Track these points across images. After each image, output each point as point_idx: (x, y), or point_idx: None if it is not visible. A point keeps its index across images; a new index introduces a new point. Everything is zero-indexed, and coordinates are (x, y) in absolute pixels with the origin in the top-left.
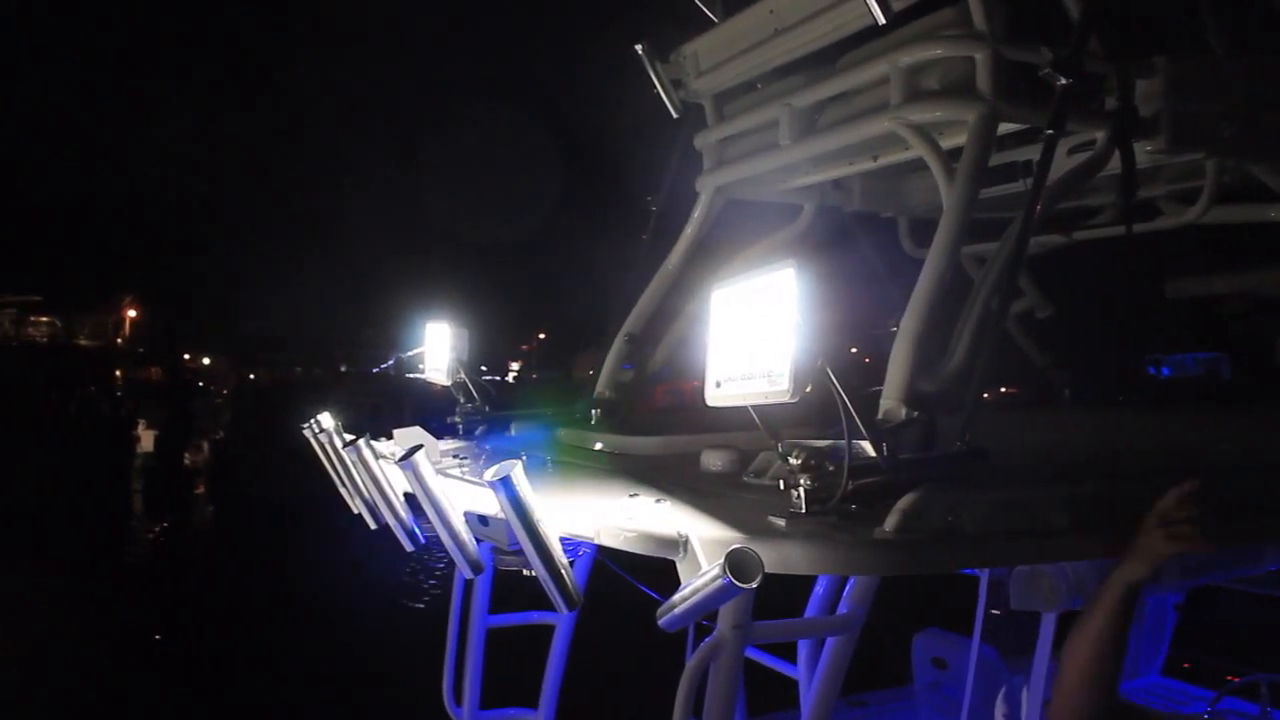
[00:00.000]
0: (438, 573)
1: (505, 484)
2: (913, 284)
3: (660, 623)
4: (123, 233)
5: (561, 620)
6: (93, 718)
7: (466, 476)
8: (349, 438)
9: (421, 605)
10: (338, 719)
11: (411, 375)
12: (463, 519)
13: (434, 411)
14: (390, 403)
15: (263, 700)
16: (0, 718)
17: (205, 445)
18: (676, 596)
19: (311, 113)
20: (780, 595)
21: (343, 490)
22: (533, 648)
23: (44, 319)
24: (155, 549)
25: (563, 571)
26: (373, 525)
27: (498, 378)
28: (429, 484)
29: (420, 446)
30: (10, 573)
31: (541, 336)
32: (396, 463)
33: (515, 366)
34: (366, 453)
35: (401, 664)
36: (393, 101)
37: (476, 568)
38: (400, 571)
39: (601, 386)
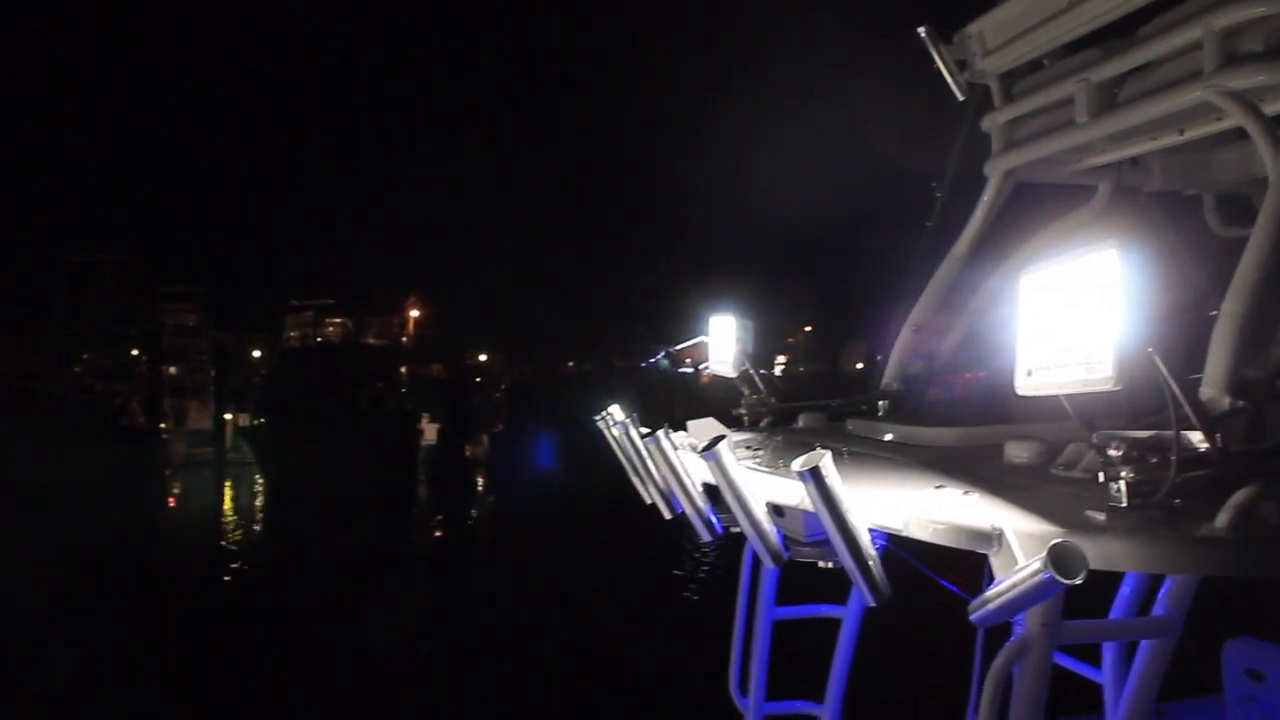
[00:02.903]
0: (708, 562)
1: (814, 474)
2: (1221, 265)
3: (973, 618)
4: (406, 238)
5: (849, 614)
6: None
7: (762, 467)
8: (646, 430)
9: (701, 596)
10: (624, 704)
11: (681, 370)
12: (765, 509)
13: (702, 404)
14: (660, 396)
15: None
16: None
17: (485, 437)
18: (991, 592)
19: (593, 118)
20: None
21: (635, 480)
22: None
23: (337, 320)
24: (440, 536)
25: (871, 563)
26: (667, 515)
27: (763, 371)
28: (732, 474)
29: (723, 437)
30: (326, 557)
31: (807, 329)
32: (699, 453)
33: (781, 360)
34: (665, 443)
35: (689, 651)
36: (661, 105)
37: (778, 558)
38: (680, 560)
39: (888, 378)
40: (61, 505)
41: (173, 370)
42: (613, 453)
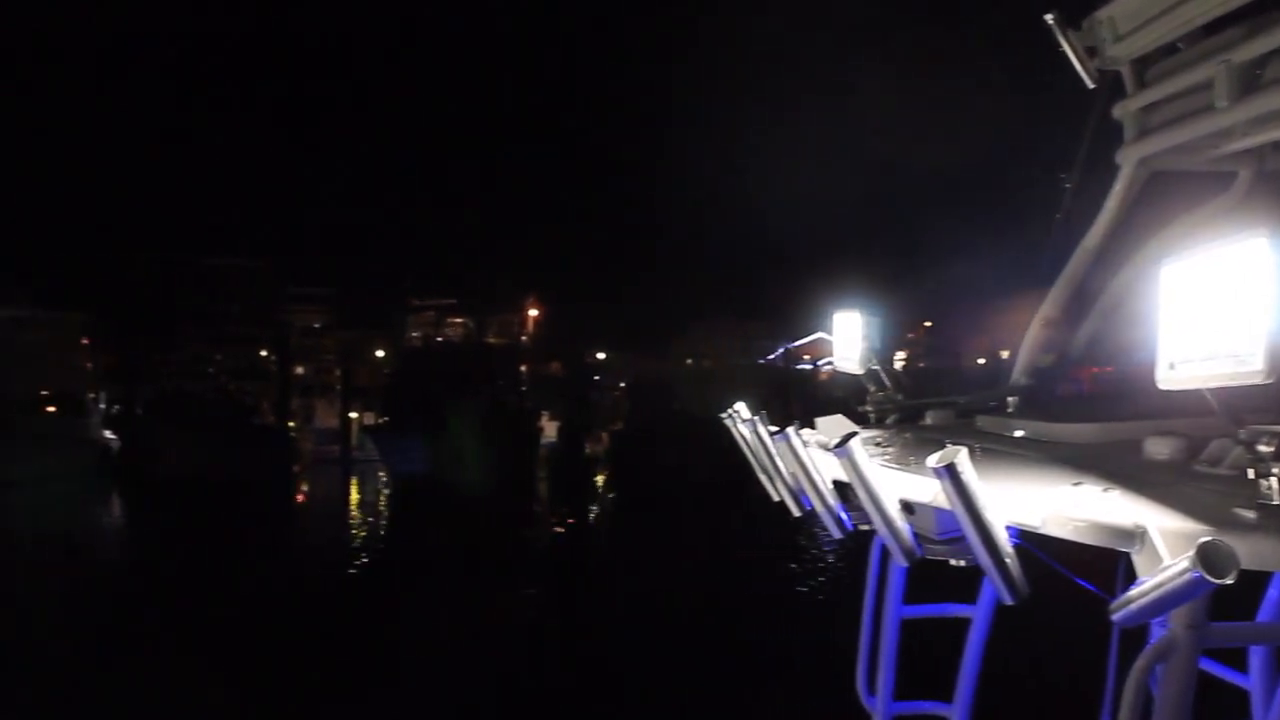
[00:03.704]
0: (832, 560)
1: (949, 471)
2: None
3: (1115, 618)
4: (522, 238)
5: (978, 612)
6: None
7: (893, 464)
8: (775, 427)
9: (826, 594)
10: (750, 701)
11: (799, 366)
12: (897, 506)
13: (821, 401)
14: (778, 393)
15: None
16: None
17: (605, 435)
18: (1135, 591)
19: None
20: None
21: (762, 477)
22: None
23: (458, 320)
24: (562, 532)
25: (1008, 561)
26: (796, 512)
27: (890, 367)
28: (864, 471)
29: (855, 434)
30: (449, 552)
31: (927, 324)
32: (831, 449)
33: (902, 355)
34: (795, 440)
35: (814, 650)
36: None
37: (910, 556)
38: (804, 558)
39: (1018, 373)
40: (204, 499)
41: (300, 370)
42: (735, 450)
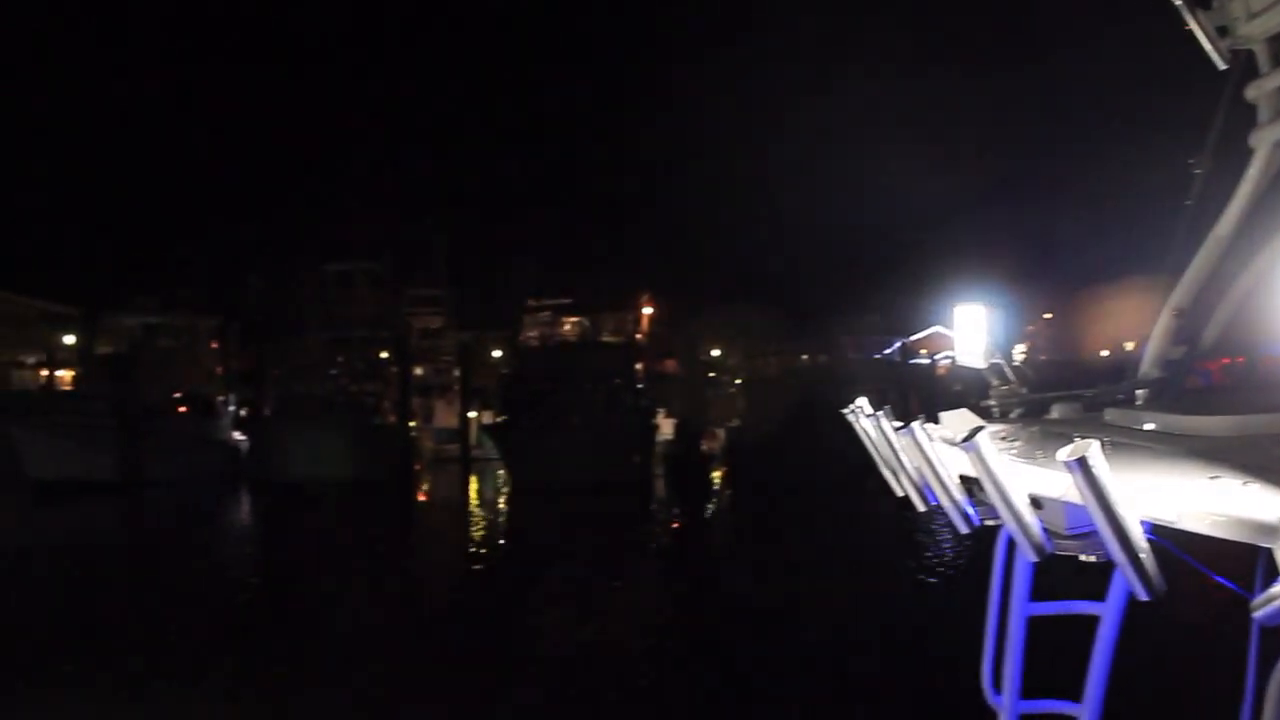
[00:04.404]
0: (954, 556)
1: (1081, 464)
2: None
3: (1257, 616)
4: (636, 235)
5: (1109, 610)
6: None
7: (1021, 458)
8: (899, 423)
9: (949, 590)
10: (875, 697)
11: (915, 361)
12: (1026, 500)
13: (939, 397)
14: (896, 388)
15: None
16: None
17: (720, 432)
18: (1278, 588)
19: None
20: None
21: (885, 472)
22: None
23: (573, 319)
24: (679, 529)
25: (1143, 556)
26: (921, 507)
27: (1014, 362)
28: (993, 465)
29: (982, 428)
30: (569, 547)
31: (1047, 316)
32: (958, 444)
33: (1022, 348)
34: (920, 435)
35: (939, 646)
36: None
37: (1041, 551)
38: (925, 553)
39: (1148, 365)
40: (329, 498)
41: (420, 371)
42: (853, 446)
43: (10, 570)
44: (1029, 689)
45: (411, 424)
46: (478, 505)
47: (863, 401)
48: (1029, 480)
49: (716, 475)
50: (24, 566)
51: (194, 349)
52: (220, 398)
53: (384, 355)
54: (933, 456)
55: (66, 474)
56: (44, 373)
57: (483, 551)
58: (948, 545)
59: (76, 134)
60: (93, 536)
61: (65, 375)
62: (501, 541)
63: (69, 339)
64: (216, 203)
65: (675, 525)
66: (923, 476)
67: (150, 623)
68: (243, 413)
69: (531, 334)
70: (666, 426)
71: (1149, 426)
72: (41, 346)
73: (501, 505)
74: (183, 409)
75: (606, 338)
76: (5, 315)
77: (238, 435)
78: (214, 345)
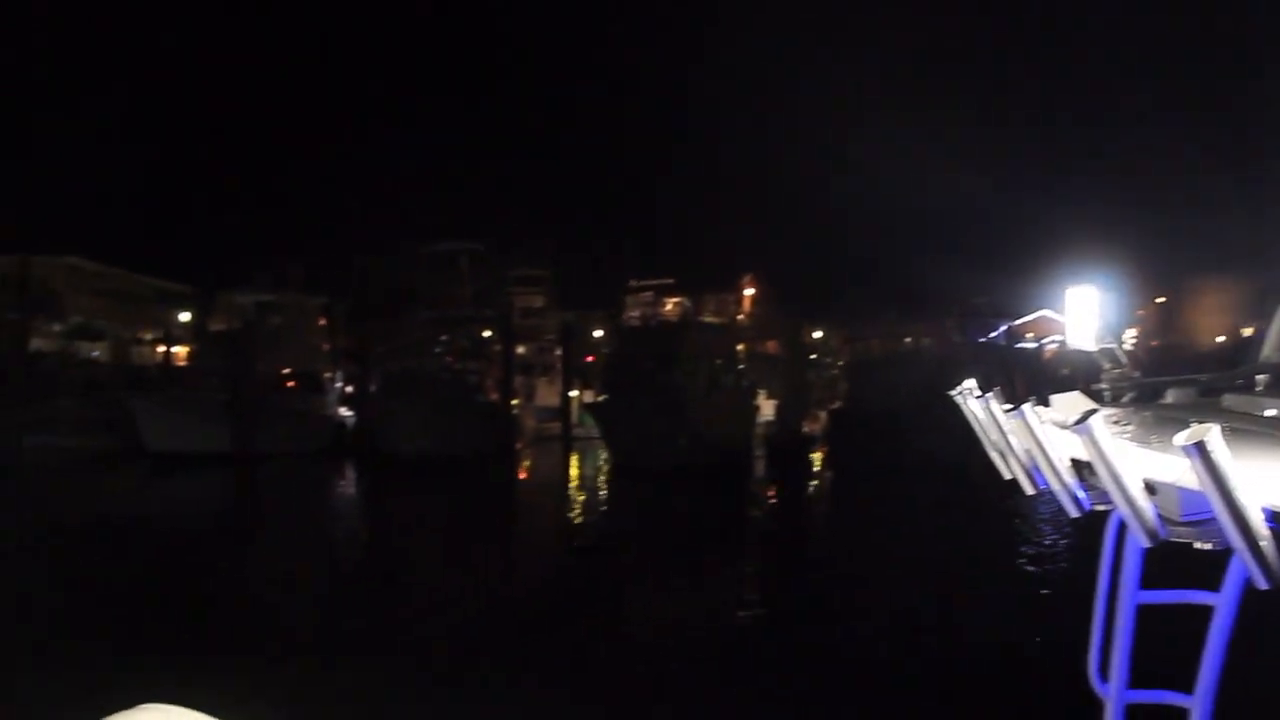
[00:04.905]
0: (1063, 541)
1: (1199, 449)
2: None
3: None
4: (736, 217)
5: (1222, 601)
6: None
7: (1134, 442)
8: (1009, 405)
9: (1057, 576)
10: (980, 684)
11: (1021, 345)
12: (1140, 485)
13: (1047, 380)
14: (1002, 371)
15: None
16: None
17: (822, 414)
18: None
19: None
20: None
21: (994, 455)
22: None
23: (675, 299)
24: (778, 509)
25: (1264, 544)
26: (1030, 490)
27: (1127, 345)
28: (1106, 448)
29: (1095, 410)
30: (668, 525)
31: (1159, 300)
32: (1070, 427)
33: (1133, 332)
34: (1031, 417)
35: (1046, 634)
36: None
37: (1154, 537)
38: (1033, 538)
39: (1269, 350)
40: (434, 473)
41: (522, 350)
42: (957, 429)
43: (145, 535)
44: (1135, 679)
45: (514, 402)
46: (578, 482)
47: (970, 383)
48: (1144, 464)
49: (817, 457)
50: (155, 533)
51: (303, 327)
52: (327, 374)
53: (487, 334)
54: (1043, 439)
55: (182, 446)
56: (161, 349)
57: (579, 530)
58: (1047, 531)
59: (186, 119)
60: (218, 504)
61: (181, 351)
62: (596, 519)
63: (184, 316)
64: (325, 187)
65: (775, 505)
66: (1032, 459)
67: (282, 589)
68: (349, 389)
69: (633, 314)
70: (767, 407)
71: (1270, 413)
72: (159, 324)
73: (600, 482)
74: (292, 384)
75: (708, 318)
76: (125, 294)
77: (344, 411)
78: (321, 323)
